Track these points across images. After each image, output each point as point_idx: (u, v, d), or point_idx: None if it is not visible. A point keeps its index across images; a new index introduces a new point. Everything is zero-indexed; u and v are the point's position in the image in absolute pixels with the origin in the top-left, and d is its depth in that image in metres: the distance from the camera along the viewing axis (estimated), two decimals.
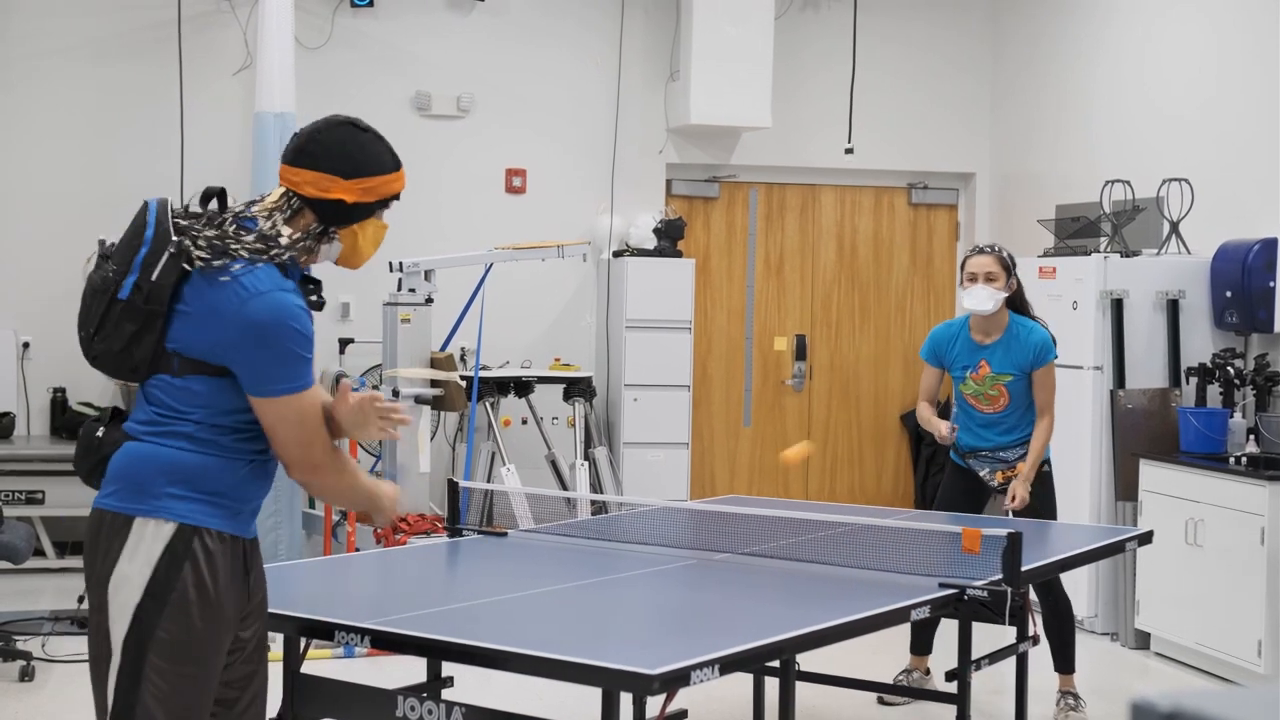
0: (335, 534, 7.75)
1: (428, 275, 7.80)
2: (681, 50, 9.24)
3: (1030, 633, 4.88)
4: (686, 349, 9.04)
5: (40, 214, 8.53)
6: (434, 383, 7.74)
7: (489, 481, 8.18)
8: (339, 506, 3.29)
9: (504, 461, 8.15)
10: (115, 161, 8.36)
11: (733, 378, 9.84)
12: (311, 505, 8.54)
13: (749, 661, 3.53)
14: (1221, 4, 7.77)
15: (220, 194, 3.17)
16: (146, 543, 3.05)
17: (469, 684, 4.58)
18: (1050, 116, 9.24)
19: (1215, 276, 7.30)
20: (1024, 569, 4.31)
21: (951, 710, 4.54)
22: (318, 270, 3.36)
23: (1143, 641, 7.17)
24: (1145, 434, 7.23)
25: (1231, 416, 6.98)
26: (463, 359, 8.62)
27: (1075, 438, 7.28)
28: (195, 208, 3.17)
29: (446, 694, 4.42)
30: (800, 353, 9.92)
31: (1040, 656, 5.38)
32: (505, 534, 5.15)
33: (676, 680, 3.15)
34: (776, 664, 3.96)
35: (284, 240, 3.15)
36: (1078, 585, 7.37)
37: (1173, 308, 7.35)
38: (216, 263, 3.05)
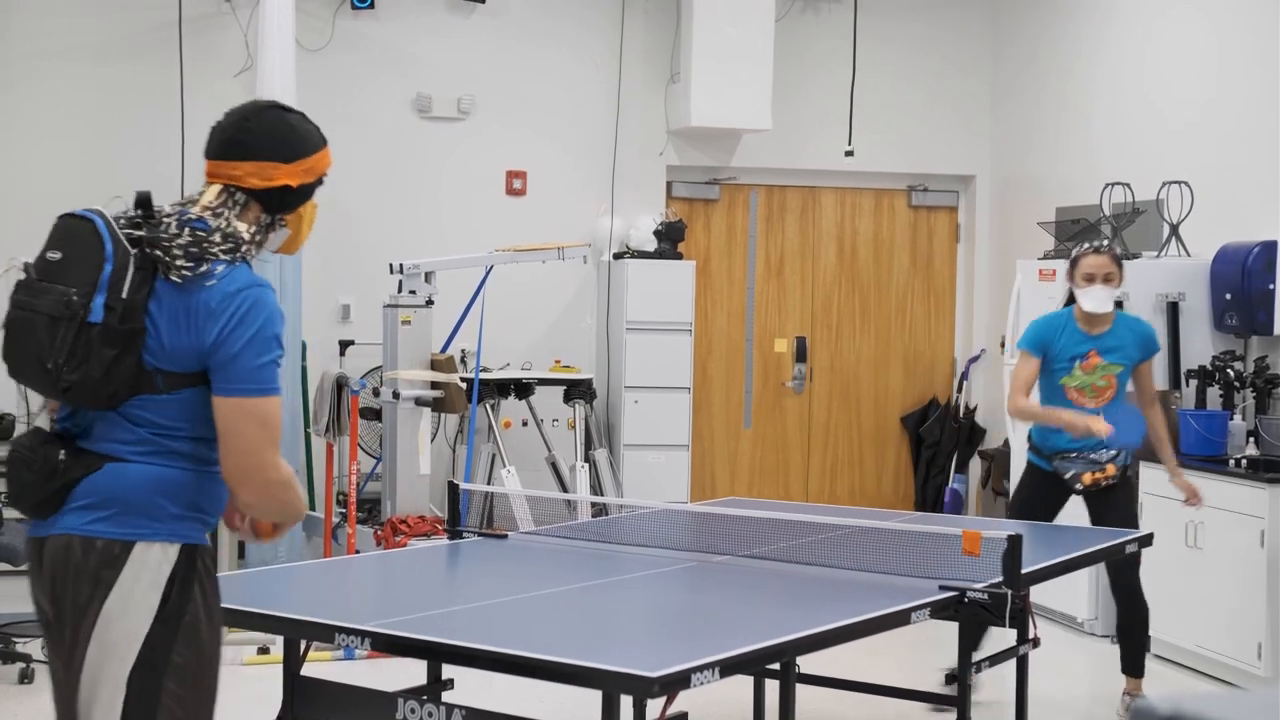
0: (335, 536, 7.75)
1: (428, 277, 7.80)
2: (682, 52, 9.25)
3: (1030, 635, 4.88)
4: (687, 351, 9.04)
5: (41, 215, 8.45)
6: (434, 384, 7.74)
7: (489, 484, 8.18)
8: (271, 517, 3.13)
9: (504, 463, 8.15)
10: (116, 162, 8.36)
11: (733, 380, 9.84)
12: (311, 507, 8.54)
13: (749, 664, 3.53)
14: (1221, 6, 7.77)
15: (148, 200, 3.05)
16: (152, 568, 2.95)
17: (469, 686, 4.57)
18: (1050, 119, 9.24)
19: (1215, 279, 7.30)
20: (1024, 571, 4.31)
21: (952, 712, 4.54)
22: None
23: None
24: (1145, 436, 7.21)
25: (1231, 419, 6.98)
26: (463, 361, 8.62)
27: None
28: (120, 215, 3.03)
29: (447, 696, 4.42)
30: (800, 355, 9.92)
31: (1040, 659, 5.37)
32: (505, 536, 5.15)
33: (677, 683, 3.15)
34: (777, 666, 3.97)
35: (245, 237, 3.06)
36: (1078, 588, 7.37)
37: (1172, 310, 7.35)
38: (200, 269, 2.96)
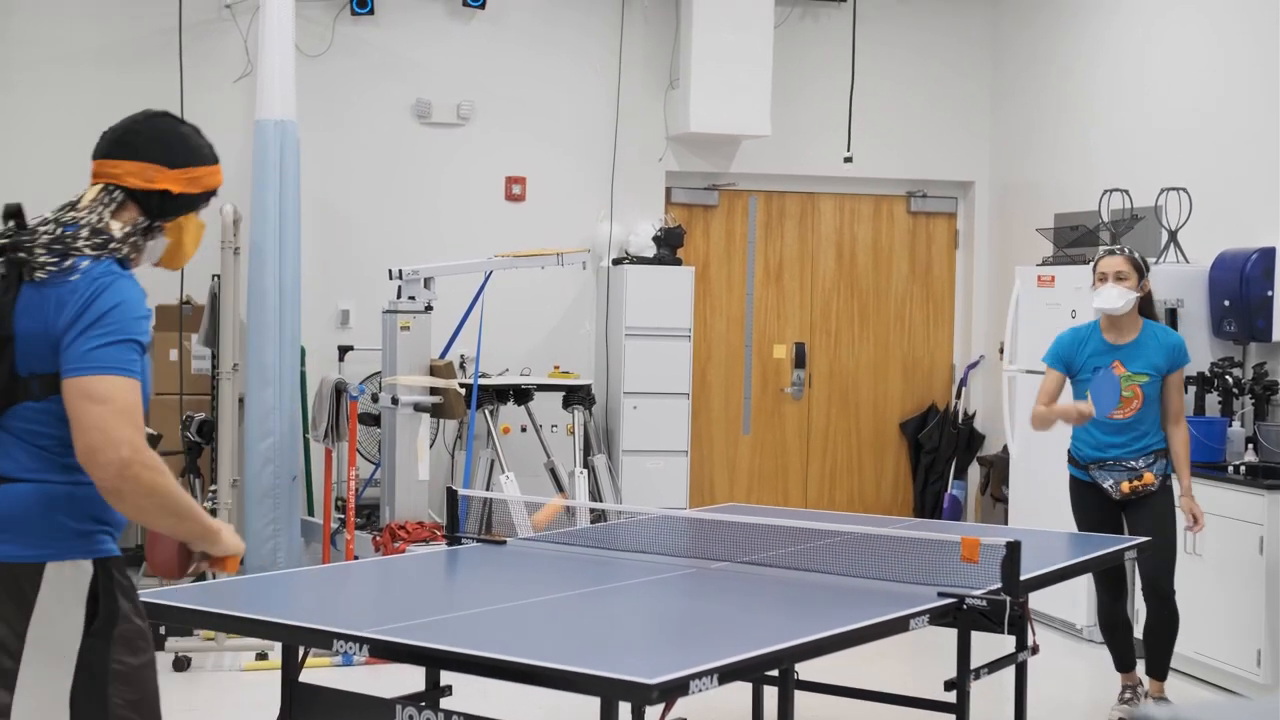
0: (334, 542, 7.74)
1: (427, 283, 7.81)
2: (681, 58, 9.25)
3: (1029, 642, 4.87)
4: (686, 357, 9.04)
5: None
6: (433, 390, 7.74)
7: (488, 489, 8.17)
8: (156, 525, 2.96)
9: (503, 469, 8.15)
10: None
11: (732, 386, 9.84)
12: (310, 513, 8.54)
13: (748, 671, 3.53)
14: (1221, 13, 7.78)
15: (18, 211, 3.01)
16: (69, 587, 2.90)
17: (467, 693, 4.57)
18: (1049, 125, 9.25)
19: (1213, 285, 7.30)
20: (1023, 578, 4.30)
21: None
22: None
23: (1142, 651, 7.15)
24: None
25: (1230, 425, 6.98)
26: (462, 366, 8.62)
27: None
28: None
29: (445, 703, 4.42)
30: (799, 361, 9.92)
31: (1039, 666, 5.37)
32: (504, 542, 5.15)
33: (675, 689, 3.15)
34: (775, 673, 3.96)
35: (115, 234, 3.01)
36: (1076, 594, 7.37)
37: (1171, 316, 7.34)
38: (65, 264, 2.90)
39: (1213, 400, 7.14)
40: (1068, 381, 6.08)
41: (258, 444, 7.97)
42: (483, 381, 8.31)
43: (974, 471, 9.85)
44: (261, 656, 6.66)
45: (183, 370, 8.07)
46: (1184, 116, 7.96)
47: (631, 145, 9.41)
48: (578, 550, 5.04)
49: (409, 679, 4.82)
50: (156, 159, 3.11)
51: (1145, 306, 6.08)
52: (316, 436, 7.96)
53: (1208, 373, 7.14)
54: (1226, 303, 7.18)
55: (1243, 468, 6.63)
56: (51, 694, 2.89)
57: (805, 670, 4.28)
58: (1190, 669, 6.82)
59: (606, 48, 9.37)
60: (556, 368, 9.07)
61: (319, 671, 6.13)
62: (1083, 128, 8.88)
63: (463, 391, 7.94)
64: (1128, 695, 6.25)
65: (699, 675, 3.21)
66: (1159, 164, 7.94)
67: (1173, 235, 7.54)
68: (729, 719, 5.76)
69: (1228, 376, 7.05)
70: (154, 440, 7.40)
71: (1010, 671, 4.90)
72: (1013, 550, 4.24)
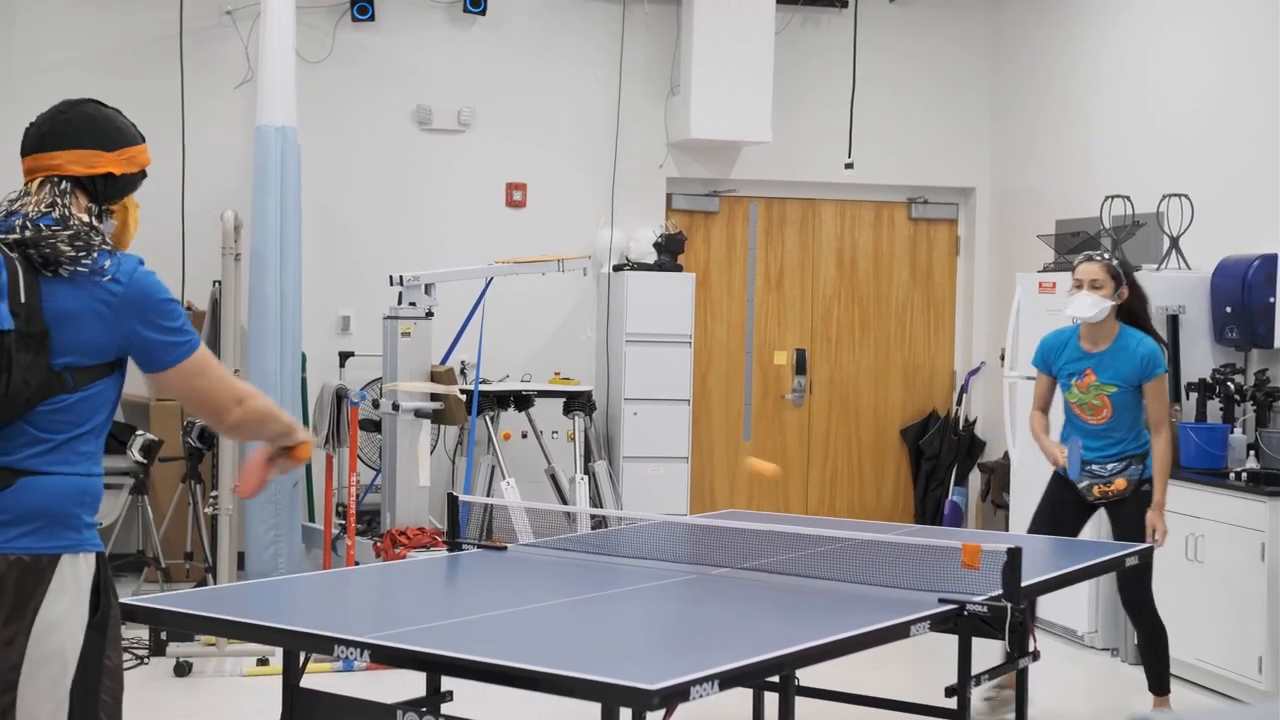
0: (335, 548, 7.74)
1: (428, 289, 7.81)
2: (682, 64, 9.26)
3: (1030, 648, 4.87)
4: (686, 363, 9.05)
5: None
6: (434, 396, 7.74)
7: (488, 495, 8.17)
8: (265, 432, 3.28)
9: (504, 475, 8.15)
10: None
11: (732, 392, 9.84)
12: (311, 519, 8.54)
13: (749, 676, 3.52)
14: (1223, 19, 7.78)
15: None
16: (77, 579, 2.94)
17: (468, 698, 4.57)
18: (1050, 131, 9.25)
19: (1215, 292, 7.30)
20: (1024, 584, 4.30)
21: None
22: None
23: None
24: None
25: (1232, 432, 6.98)
26: (463, 373, 8.62)
27: None
28: None
29: (446, 708, 4.41)
30: (800, 367, 9.92)
31: (1040, 673, 5.37)
32: (505, 548, 5.15)
33: (676, 695, 3.15)
34: (776, 679, 3.96)
35: (98, 225, 3.08)
36: (1078, 601, 7.36)
37: (1173, 323, 7.34)
38: (91, 260, 2.97)
39: (1214, 407, 7.14)
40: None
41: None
42: (483, 388, 8.31)
43: (975, 478, 9.85)
44: (262, 662, 6.65)
45: None
46: (1186, 123, 7.96)
47: (632, 151, 9.42)
48: (578, 556, 5.04)
49: (410, 684, 4.81)
50: (94, 144, 3.13)
51: (1135, 314, 6.07)
52: (317, 443, 7.96)
53: (1209, 379, 7.14)
54: (1228, 309, 7.18)
55: (1244, 474, 6.62)
56: (51, 690, 2.91)
57: (806, 676, 4.27)
58: (1192, 675, 6.81)
59: (607, 54, 9.38)
60: (557, 374, 9.07)
61: (320, 677, 6.12)
62: (1084, 134, 8.88)
63: (463, 398, 7.94)
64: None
65: (700, 681, 3.21)
66: (1161, 170, 7.94)
67: (1174, 241, 7.54)
68: None
69: (1229, 383, 7.05)
70: (155, 446, 7.43)
71: (1011, 678, 4.89)
72: (1014, 556, 4.24)
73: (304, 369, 8.44)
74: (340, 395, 7.76)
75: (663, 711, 3.19)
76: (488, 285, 8.19)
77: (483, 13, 9.09)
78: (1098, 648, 7.42)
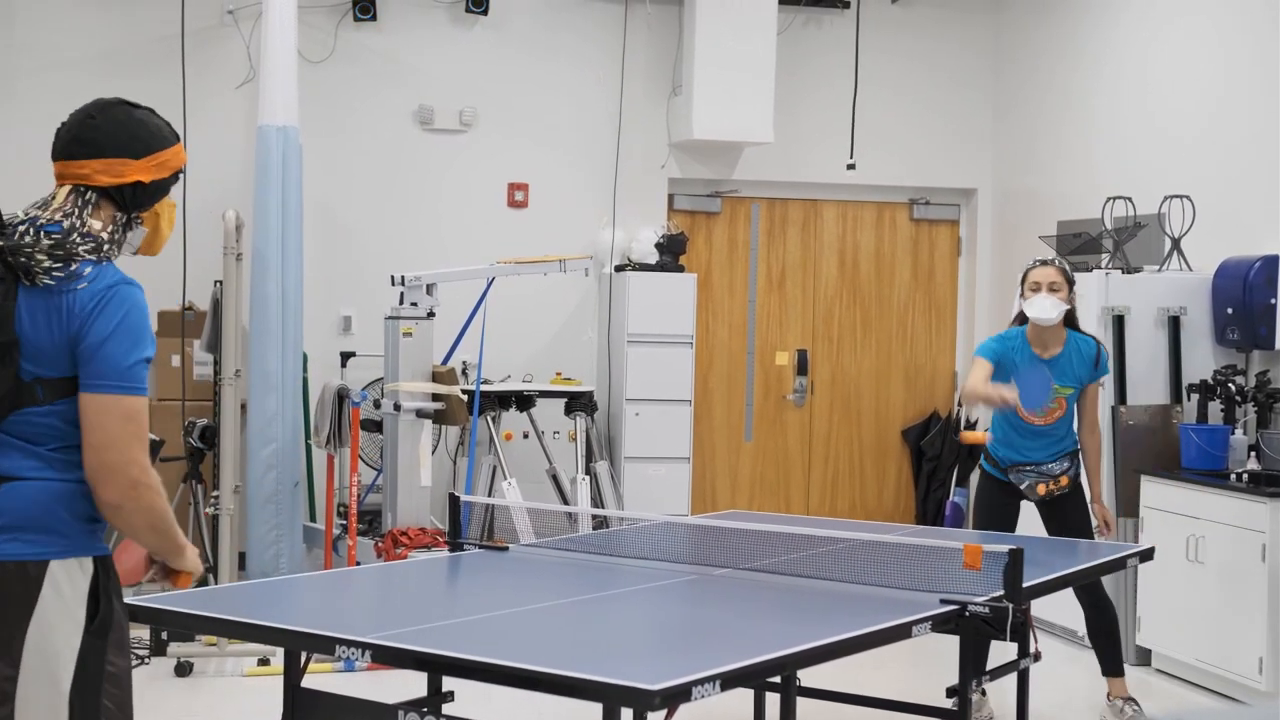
0: (336, 548, 7.75)
1: (429, 289, 7.81)
2: (684, 65, 9.26)
3: (1032, 649, 4.87)
4: (688, 364, 9.05)
5: None
6: (435, 396, 7.74)
7: (490, 496, 8.18)
8: (143, 541, 3.04)
9: (505, 476, 8.15)
10: None
11: (734, 392, 9.84)
12: (312, 519, 8.54)
13: (750, 677, 3.52)
14: (1224, 21, 7.78)
15: None
16: (71, 585, 2.90)
17: (469, 699, 4.57)
18: (1052, 132, 9.25)
19: (1216, 293, 7.30)
20: (1025, 585, 4.30)
21: None
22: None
23: (1144, 658, 7.16)
24: (1146, 450, 7.23)
25: (1233, 433, 6.98)
26: (464, 373, 8.62)
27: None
28: None
29: (447, 709, 4.41)
30: (801, 368, 9.92)
31: (1041, 673, 5.36)
32: (506, 548, 5.15)
33: (677, 696, 3.15)
34: (778, 679, 3.96)
35: (104, 236, 2.99)
36: (1078, 602, 7.35)
37: (1174, 324, 7.35)
38: (70, 270, 2.88)
39: (1215, 408, 7.14)
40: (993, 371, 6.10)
41: (260, 450, 7.97)
42: (485, 388, 8.31)
43: (976, 479, 9.83)
44: (264, 662, 6.65)
45: (185, 376, 8.07)
46: (1187, 124, 7.96)
47: (634, 152, 9.42)
48: (580, 556, 5.04)
49: (411, 684, 4.81)
50: (122, 152, 3.06)
51: (1072, 318, 6.15)
52: (319, 443, 7.96)
53: (1210, 380, 7.14)
54: (1229, 310, 7.19)
55: (1245, 475, 6.63)
56: (52, 693, 2.88)
57: (807, 676, 4.27)
58: (1192, 676, 6.81)
59: (609, 54, 9.38)
60: (559, 374, 9.07)
61: (321, 677, 6.13)
62: (1085, 135, 8.88)
63: (465, 398, 7.94)
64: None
65: (701, 681, 3.20)
66: (1162, 171, 7.94)
67: (1176, 243, 7.54)
68: None
69: (1230, 384, 7.05)
70: (156, 446, 7.42)
71: (1012, 678, 4.89)
72: (1015, 557, 4.24)
73: (305, 369, 8.44)
74: (342, 395, 7.76)
75: (664, 712, 3.19)
76: (489, 285, 8.19)
77: (484, 13, 9.10)
78: None
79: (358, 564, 7.29)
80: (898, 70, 9.79)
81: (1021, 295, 6.11)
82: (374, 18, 8.95)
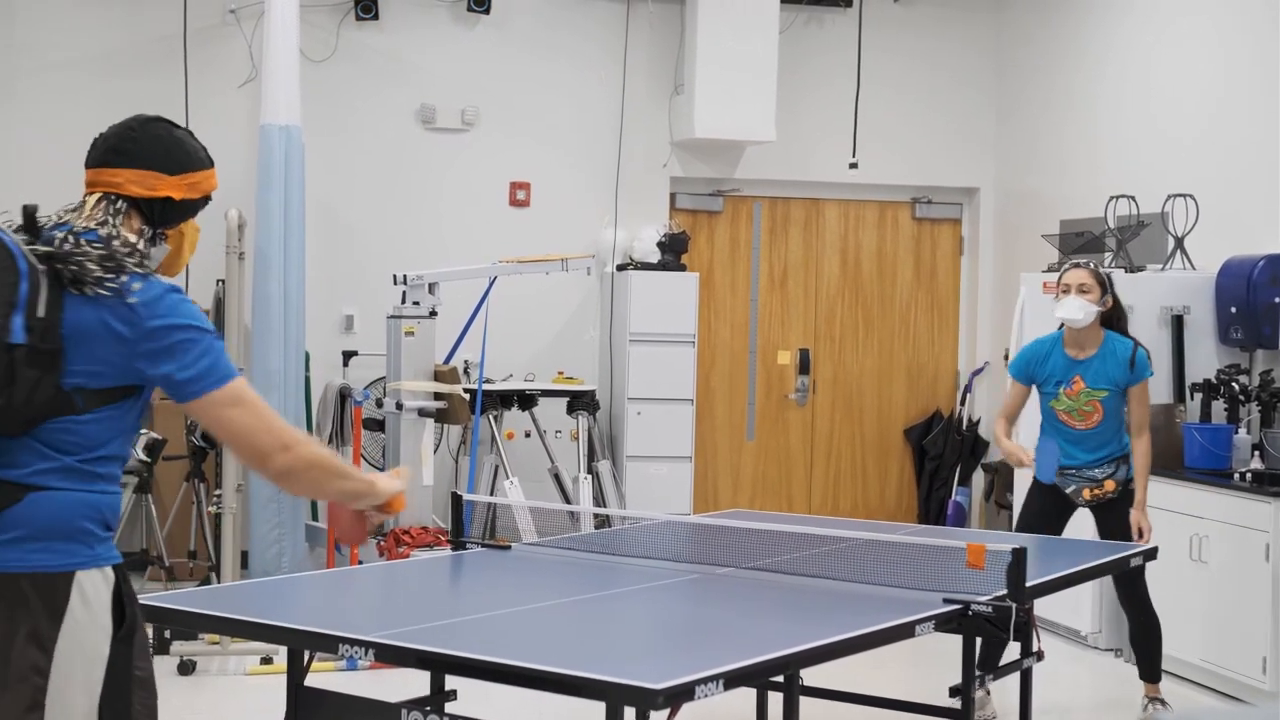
0: (338, 547, 7.74)
1: (431, 288, 7.81)
2: (686, 64, 9.26)
3: (1034, 648, 4.87)
4: (690, 363, 9.05)
5: None
6: (437, 395, 7.74)
7: (492, 494, 8.18)
8: (331, 491, 3.13)
9: (507, 475, 8.15)
10: None
11: (736, 391, 9.84)
12: (314, 517, 8.54)
13: (753, 676, 3.52)
14: (1227, 20, 7.78)
15: (34, 214, 2.96)
16: (96, 594, 2.88)
17: (472, 697, 4.56)
18: (1055, 131, 9.25)
19: (1220, 292, 7.29)
20: (1028, 584, 4.30)
21: None
22: None
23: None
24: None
25: (1236, 432, 6.97)
26: (466, 372, 8.62)
27: None
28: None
29: (450, 707, 4.41)
30: (804, 367, 9.92)
31: (1044, 672, 5.36)
32: (508, 547, 5.14)
33: (680, 695, 3.14)
34: (780, 679, 3.95)
35: (141, 247, 2.98)
36: (1081, 601, 7.36)
37: (1177, 323, 7.34)
38: (120, 282, 2.86)
39: (1219, 407, 7.13)
40: (1034, 390, 6.19)
41: None
42: (487, 387, 8.31)
43: (978, 478, 9.84)
44: (266, 661, 6.65)
45: None
46: (1191, 123, 7.95)
47: (636, 151, 9.42)
48: (582, 556, 5.04)
49: (414, 683, 4.81)
50: (156, 166, 3.05)
51: (1115, 319, 6.14)
52: (321, 442, 7.95)
53: (1214, 380, 7.14)
54: (1233, 309, 7.18)
55: (1249, 475, 6.62)
56: (84, 701, 2.87)
57: (810, 676, 4.27)
58: (1196, 675, 6.81)
59: (611, 53, 9.38)
60: (561, 373, 9.07)
61: (324, 676, 6.12)
62: (1088, 134, 8.87)
63: (467, 397, 7.94)
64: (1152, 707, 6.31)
65: (704, 680, 3.20)
66: (1165, 170, 7.93)
67: (1179, 242, 7.54)
68: None
69: (1234, 383, 7.04)
70: (159, 445, 7.43)
71: (1015, 678, 4.89)
72: (1018, 556, 4.24)
73: (307, 368, 8.44)
74: (344, 394, 7.76)
75: (667, 711, 3.18)
76: (491, 284, 8.19)
77: (487, 12, 9.09)
78: (1101, 648, 7.42)
79: (360, 563, 7.29)
80: (900, 69, 9.79)
81: (1055, 297, 6.11)
82: (376, 17, 8.95)
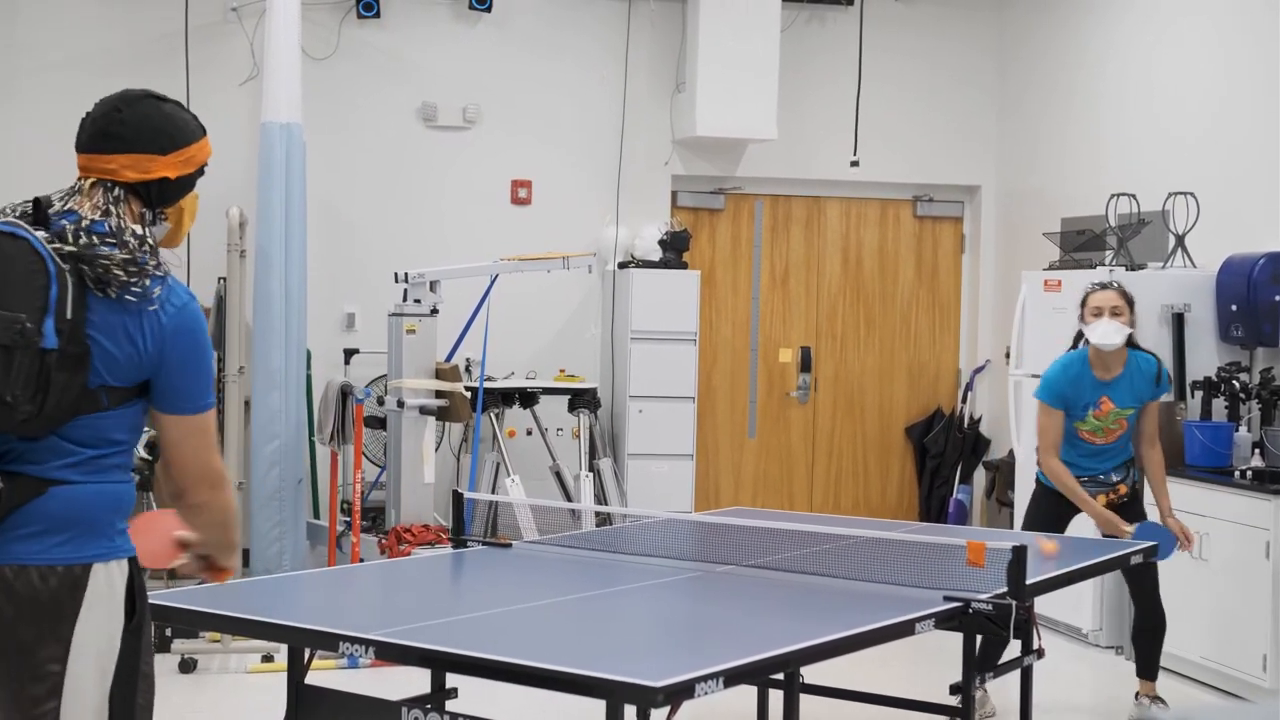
0: (340, 545, 7.75)
1: (433, 286, 7.81)
2: (687, 62, 9.25)
3: (1035, 646, 4.87)
4: (691, 361, 9.05)
5: None
6: (439, 393, 7.75)
7: (493, 493, 8.18)
8: (212, 536, 3.09)
9: (508, 473, 8.15)
10: None
11: (737, 389, 9.84)
12: (316, 516, 8.55)
13: (753, 674, 3.53)
14: (1228, 19, 7.77)
15: (46, 206, 2.92)
16: (112, 586, 2.89)
17: (472, 695, 4.57)
18: (1056, 129, 9.25)
19: (1221, 290, 7.29)
20: (1029, 582, 4.30)
21: None
22: None
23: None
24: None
25: (1237, 430, 6.97)
26: (468, 370, 8.62)
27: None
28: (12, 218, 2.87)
29: (450, 705, 4.42)
30: (805, 365, 9.92)
31: (1044, 670, 5.37)
32: (509, 545, 5.15)
33: (681, 692, 3.15)
34: (781, 676, 3.96)
35: (152, 243, 2.96)
36: (1082, 600, 7.36)
37: (1178, 321, 7.34)
38: (144, 286, 2.87)
39: (1219, 405, 7.13)
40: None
41: (264, 447, 7.98)
42: (488, 385, 8.31)
43: (979, 476, 9.84)
44: (267, 659, 6.66)
45: None
46: (1191, 121, 7.95)
47: (637, 149, 9.42)
48: (583, 553, 5.04)
49: (414, 681, 4.81)
50: (148, 147, 3.01)
51: (1130, 337, 6.12)
52: (322, 440, 7.96)
53: (1214, 377, 7.14)
54: (1234, 307, 7.18)
55: (1249, 473, 6.63)
56: (97, 691, 2.89)
57: (810, 673, 4.27)
58: (1195, 673, 6.81)
59: (612, 51, 9.38)
60: (562, 371, 9.07)
61: (325, 674, 6.13)
62: (1089, 132, 8.87)
63: (468, 395, 7.94)
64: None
65: (704, 678, 3.21)
66: (1166, 168, 7.93)
67: (1180, 240, 7.54)
68: None
69: (1235, 381, 7.04)
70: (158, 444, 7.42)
71: (1016, 675, 4.90)
72: (1019, 554, 4.24)
73: (309, 366, 8.44)
74: (345, 392, 7.76)
75: (668, 709, 3.19)
76: (493, 282, 8.20)
77: (488, 10, 9.09)
78: (1102, 646, 7.42)
79: (361, 561, 7.29)
80: (901, 67, 9.79)
81: (1082, 319, 6.05)
82: (377, 14, 8.95)
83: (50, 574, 2.85)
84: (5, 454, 2.86)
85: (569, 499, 8.41)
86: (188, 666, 6.56)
